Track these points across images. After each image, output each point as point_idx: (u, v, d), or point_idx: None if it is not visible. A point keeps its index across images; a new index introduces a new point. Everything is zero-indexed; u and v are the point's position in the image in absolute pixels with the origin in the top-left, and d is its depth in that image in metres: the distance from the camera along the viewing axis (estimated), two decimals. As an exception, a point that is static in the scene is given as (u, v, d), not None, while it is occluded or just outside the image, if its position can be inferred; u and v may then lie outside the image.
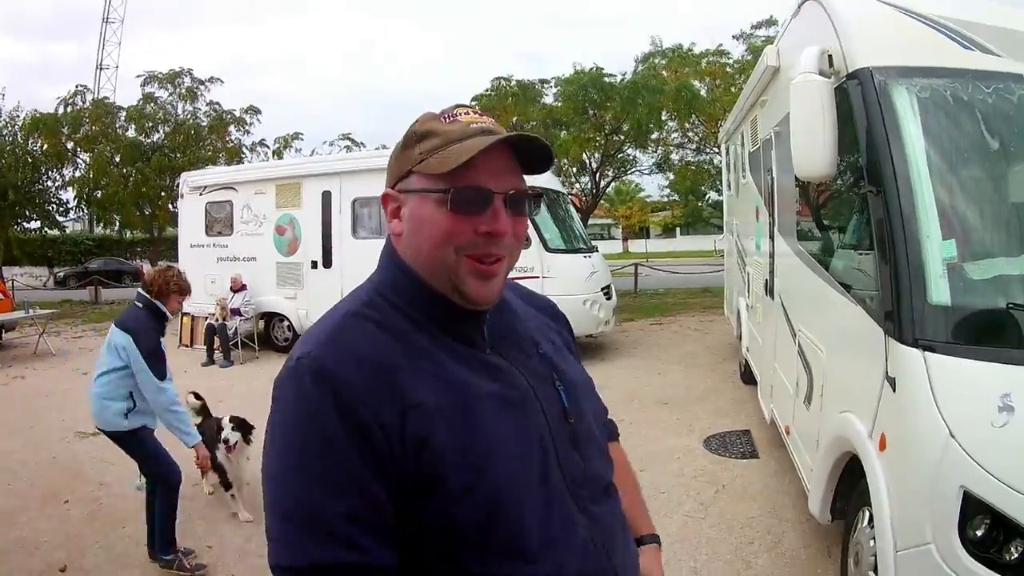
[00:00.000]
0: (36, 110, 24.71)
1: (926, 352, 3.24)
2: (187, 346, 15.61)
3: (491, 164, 1.41)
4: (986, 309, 3.45)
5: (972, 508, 2.92)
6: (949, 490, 2.97)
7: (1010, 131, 3.80)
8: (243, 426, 6.32)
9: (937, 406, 3.09)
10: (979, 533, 2.93)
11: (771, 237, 7.00)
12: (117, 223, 25.14)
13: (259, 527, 5.82)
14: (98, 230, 38.21)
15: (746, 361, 9.79)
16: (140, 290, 5.45)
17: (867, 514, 3.82)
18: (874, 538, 3.59)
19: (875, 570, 3.51)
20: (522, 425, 1.43)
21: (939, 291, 3.36)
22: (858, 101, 3.81)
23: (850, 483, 4.25)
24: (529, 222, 1.69)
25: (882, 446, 3.49)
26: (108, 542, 5.86)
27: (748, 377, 9.74)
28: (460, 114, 1.48)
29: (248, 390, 11.31)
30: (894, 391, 3.38)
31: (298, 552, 1.25)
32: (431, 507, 1.31)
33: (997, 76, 3.74)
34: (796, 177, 4.48)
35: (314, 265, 14.14)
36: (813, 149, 3.80)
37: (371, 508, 1.27)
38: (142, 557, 5.53)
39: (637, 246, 61.45)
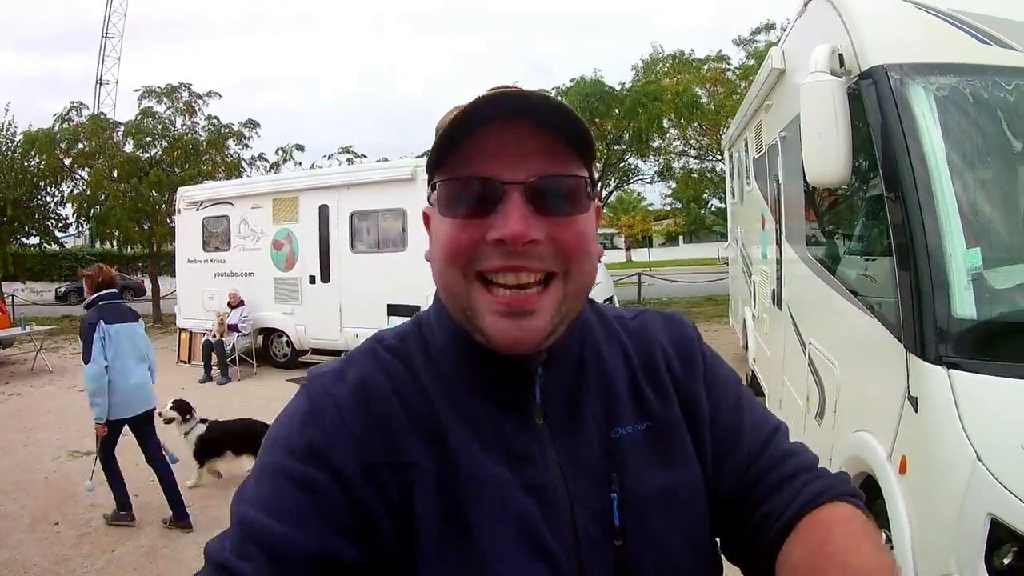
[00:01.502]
0: (31, 125, 24.72)
1: (951, 370, 3.01)
2: (185, 362, 15.50)
3: (505, 146, 1.01)
4: (1017, 323, 3.22)
5: (999, 536, 2.71)
6: (976, 518, 2.76)
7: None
8: (182, 408, 7.55)
9: (963, 428, 2.87)
10: (1006, 562, 2.72)
11: (778, 245, 6.80)
12: (116, 238, 24.89)
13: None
14: (98, 245, 38.10)
15: (753, 372, 9.56)
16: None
17: (883, 536, 3.62)
18: (892, 563, 3.39)
19: (892, 597, 3.30)
20: (534, 538, 1.03)
21: (964, 304, 3.13)
22: (872, 101, 3.59)
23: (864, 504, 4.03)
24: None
25: (902, 469, 3.27)
26: (98, 566, 5.72)
27: (755, 388, 9.50)
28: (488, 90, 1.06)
29: (245, 407, 11.09)
30: (916, 411, 3.16)
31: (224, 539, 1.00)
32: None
33: (1017, 72, 3.52)
34: (807, 182, 4.28)
35: (312, 280, 13.94)
36: (826, 153, 3.60)
37: (302, 539, 0.97)
38: (132, 583, 5.45)
39: (640, 255, 61.30)
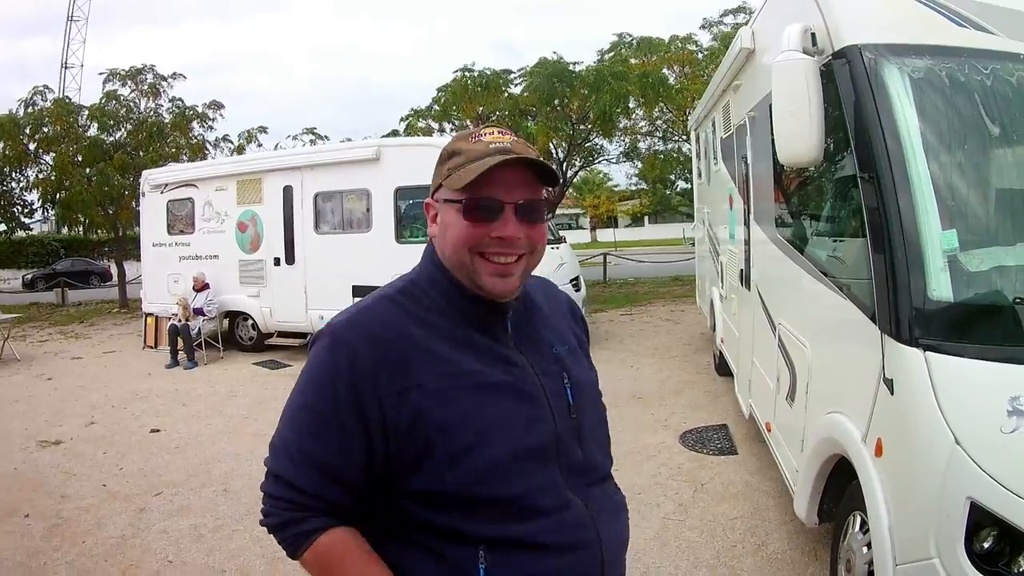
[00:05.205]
0: None
1: (928, 352, 2.99)
2: (151, 347, 15.31)
3: (505, 178, 1.61)
4: (993, 304, 3.18)
5: (979, 520, 2.72)
6: (955, 501, 2.76)
7: (1010, 114, 3.52)
8: None
9: (941, 411, 2.86)
10: (986, 545, 2.73)
11: (746, 225, 6.78)
12: (82, 224, 24.46)
13: (220, 541, 5.78)
14: (65, 231, 37.60)
15: (720, 352, 9.60)
16: None
17: (858, 518, 3.64)
18: (867, 545, 3.42)
19: (870, 577, 3.31)
20: (527, 414, 1.65)
21: (941, 285, 3.11)
22: (846, 81, 3.55)
23: (838, 484, 4.05)
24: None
25: (878, 451, 3.26)
26: (70, 558, 5.64)
27: (723, 368, 9.57)
28: (485, 134, 1.69)
29: (212, 391, 11.14)
30: (892, 393, 3.14)
31: (275, 462, 1.65)
32: (423, 473, 1.58)
33: (993, 55, 3.48)
34: (777, 162, 4.24)
35: (277, 262, 13.75)
36: (798, 133, 3.56)
37: (338, 458, 1.58)
38: (104, 574, 5.39)
39: (605, 235, 61.36)
